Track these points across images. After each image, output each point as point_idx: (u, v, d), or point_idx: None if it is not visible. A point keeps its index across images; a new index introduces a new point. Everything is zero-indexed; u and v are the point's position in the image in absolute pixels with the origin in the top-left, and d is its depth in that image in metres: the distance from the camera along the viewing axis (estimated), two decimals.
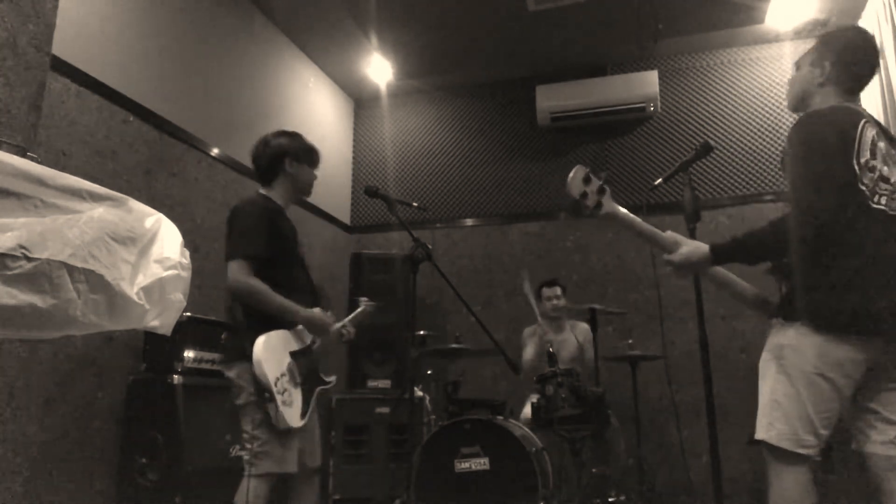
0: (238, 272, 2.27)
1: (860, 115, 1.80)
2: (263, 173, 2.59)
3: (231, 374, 2.29)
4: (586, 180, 1.89)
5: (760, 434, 1.74)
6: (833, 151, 1.71)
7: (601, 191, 1.91)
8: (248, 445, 2.22)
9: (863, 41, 1.91)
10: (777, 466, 1.71)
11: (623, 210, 1.96)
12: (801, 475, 1.68)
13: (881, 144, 1.78)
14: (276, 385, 2.16)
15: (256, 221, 2.36)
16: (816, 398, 1.66)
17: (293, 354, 2.32)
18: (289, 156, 2.55)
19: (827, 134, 1.73)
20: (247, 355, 2.19)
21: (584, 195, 1.89)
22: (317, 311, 2.43)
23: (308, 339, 2.46)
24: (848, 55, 1.87)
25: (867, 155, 1.73)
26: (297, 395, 2.26)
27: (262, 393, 2.15)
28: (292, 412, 2.21)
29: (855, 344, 1.64)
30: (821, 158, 1.70)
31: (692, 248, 1.88)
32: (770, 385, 1.74)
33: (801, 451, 1.67)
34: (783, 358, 1.72)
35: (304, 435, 2.37)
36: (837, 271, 1.66)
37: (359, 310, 2.83)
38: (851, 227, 1.68)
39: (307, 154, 2.60)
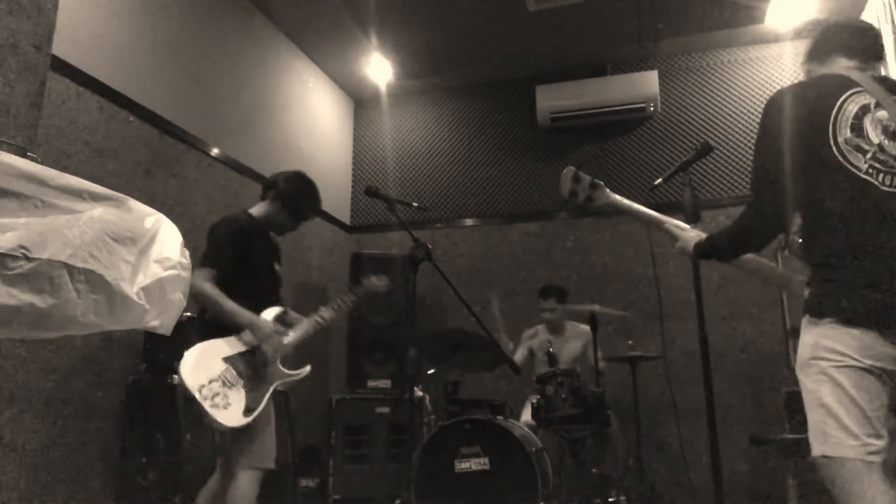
0: (197, 278, 2.39)
1: (848, 84, 1.61)
2: (262, 191, 2.79)
3: None
4: (576, 179, 2.01)
5: (818, 449, 1.51)
6: (792, 136, 1.59)
7: (593, 185, 2.01)
8: (224, 445, 2.35)
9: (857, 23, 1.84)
10: (847, 484, 1.46)
11: (619, 198, 2.03)
12: (876, 482, 1.43)
13: (879, 114, 1.57)
14: (200, 392, 2.27)
15: (225, 239, 2.57)
16: (866, 394, 1.48)
17: (228, 359, 2.41)
18: (274, 191, 2.71)
19: (786, 115, 1.60)
20: None
21: (574, 193, 2.00)
22: (261, 318, 2.54)
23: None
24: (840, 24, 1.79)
25: (846, 133, 1.55)
26: (235, 396, 2.35)
27: (190, 400, 2.28)
28: (228, 413, 2.30)
29: (888, 337, 1.48)
30: (774, 145, 1.61)
31: (684, 243, 1.93)
32: (814, 392, 1.54)
33: (868, 458, 1.44)
34: (821, 358, 1.54)
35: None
36: (853, 261, 1.52)
37: (349, 300, 2.95)
38: (860, 214, 1.52)
39: (294, 205, 2.72)
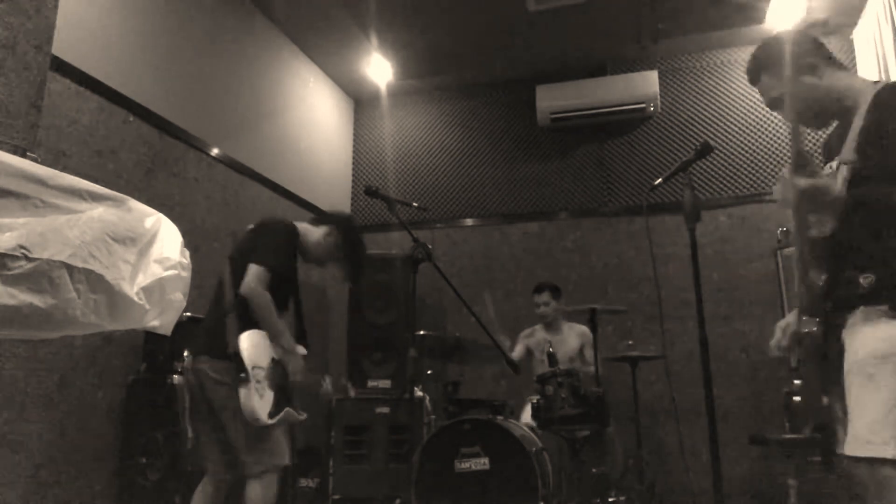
0: (257, 279, 2.38)
1: None
2: (319, 216, 2.79)
3: (206, 367, 2.37)
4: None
5: (886, 450, 1.41)
6: None
7: None
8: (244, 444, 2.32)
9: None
10: None
11: None
12: None
13: None
14: (252, 369, 2.27)
15: (285, 241, 2.54)
16: None
17: (274, 360, 2.42)
18: (338, 228, 2.69)
19: None
20: (227, 353, 2.30)
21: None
22: (300, 350, 2.55)
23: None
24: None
25: None
26: (268, 395, 2.36)
27: (240, 373, 2.25)
28: (261, 405, 2.30)
29: None
30: None
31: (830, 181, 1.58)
32: (892, 388, 1.43)
33: None
34: None
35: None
36: None
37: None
38: None
39: (341, 257, 2.71)
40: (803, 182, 1.50)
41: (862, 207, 1.52)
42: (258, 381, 2.29)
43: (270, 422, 2.32)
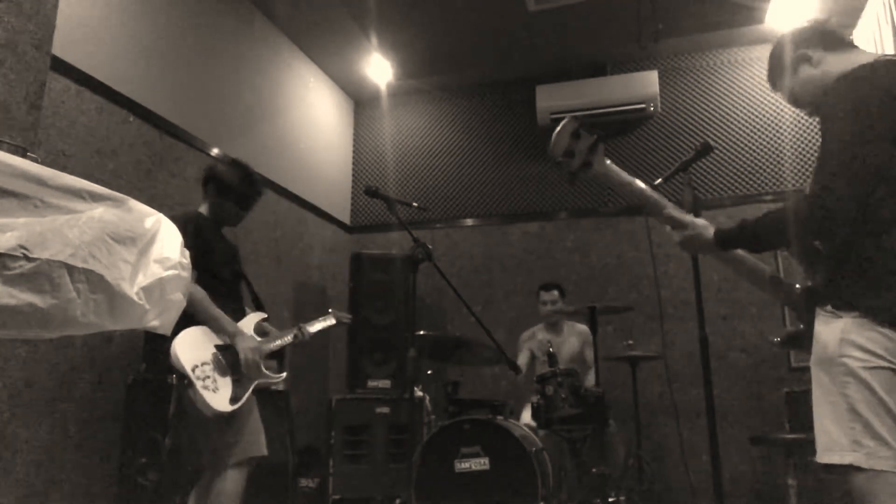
0: None
1: None
2: (202, 186, 2.73)
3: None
4: (575, 135, 1.66)
5: (846, 458, 1.35)
6: (877, 119, 1.39)
7: (592, 148, 1.67)
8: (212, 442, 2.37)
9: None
10: (881, 500, 1.32)
11: (618, 170, 1.72)
12: None
13: None
14: (193, 372, 2.29)
15: (187, 234, 2.51)
16: None
17: (219, 347, 2.43)
18: (213, 183, 2.66)
19: (873, 97, 1.42)
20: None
21: (571, 153, 1.66)
22: (245, 332, 2.52)
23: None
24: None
25: None
26: (224, 383, 2.37)
27: (182, 380, 2.29)
28: (218, 398, 2.32)
29: None
30: (863, 128, 1.39)
31: (697, 230, 1.66)
32: (839, 393, 1.38)
33: None
34: (849, 357, 1.38)
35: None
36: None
37: (328, 323, 2.94)
38: None
39: (234, 192, 2.67)
40: (677, 237, 1.71)
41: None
42: (206, 378, 2.30)
43: (234, 407, 2.34)
